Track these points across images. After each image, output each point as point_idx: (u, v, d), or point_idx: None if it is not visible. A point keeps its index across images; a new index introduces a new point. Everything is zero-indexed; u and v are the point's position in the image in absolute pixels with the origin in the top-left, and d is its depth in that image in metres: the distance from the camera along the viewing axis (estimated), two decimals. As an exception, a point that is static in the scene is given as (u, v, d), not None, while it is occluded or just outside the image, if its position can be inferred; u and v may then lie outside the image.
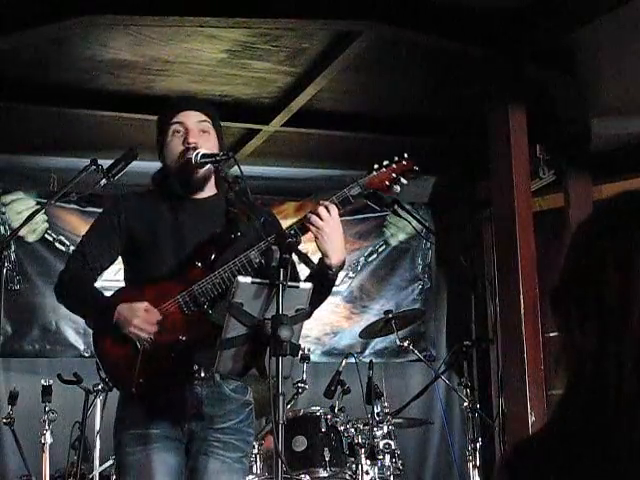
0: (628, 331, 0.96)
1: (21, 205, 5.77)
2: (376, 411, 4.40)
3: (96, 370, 3.06)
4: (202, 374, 2.75)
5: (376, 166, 2.72)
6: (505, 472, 1.05)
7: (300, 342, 2.63)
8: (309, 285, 2.57)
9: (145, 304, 2.72)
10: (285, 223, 2.85)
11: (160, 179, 2.92)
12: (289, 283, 2.46)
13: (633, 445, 0.94)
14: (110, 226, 2.86)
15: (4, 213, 5.74)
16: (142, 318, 2.70)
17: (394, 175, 2.72)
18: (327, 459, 4.20)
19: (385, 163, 2.72)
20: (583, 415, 0.99)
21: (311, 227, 2.67)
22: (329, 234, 2.67)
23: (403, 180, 2.72)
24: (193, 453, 2.77)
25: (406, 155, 2.72)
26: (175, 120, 2.85)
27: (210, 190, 2.90)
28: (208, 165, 2.78)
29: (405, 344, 4.74)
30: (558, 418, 1.03)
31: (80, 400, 4.29)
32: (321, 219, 2.66)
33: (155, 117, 3.01)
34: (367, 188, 2.70)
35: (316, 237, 2.66)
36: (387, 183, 2.71)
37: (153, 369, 2.69)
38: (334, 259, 2.67)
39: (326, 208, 2.68)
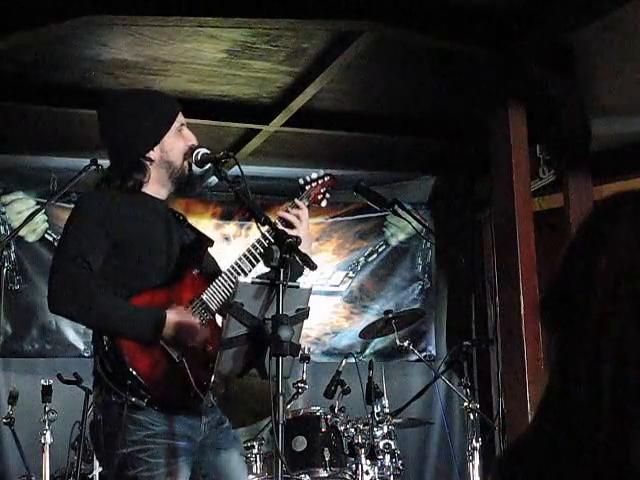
0: (603, 355, 0.95)
1: (21, 205, 5.77)
2: (376, 411, 4.40)
3: (119, 387, 2.58)
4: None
5: (308, 179, 3.02)
6: (500, 473, 1.05)
7: (300, 342, 2.64)
8: (309, 285, 2.59)
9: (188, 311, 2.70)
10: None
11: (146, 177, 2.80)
12: (289, 283, 2.46)
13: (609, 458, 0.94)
14: (102, 231, 2.67)
15: (4, 213, 5.74)
16: (200, 327, 2.68)
17: (323, 190, 3.03)
18: (327, 459, 4.20)
19: (314, 177, 3.03)
20: (561, 425, 0.99)
21: (290, 226, 2.79)
22: (306, 234, 2.80)
23: (327, 195, 3.06)
24: (209, 450, 2.73)
25: (323, 173, 3.08)
26: (178, 121, 2.84)
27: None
28: (208, 165, 2.78)
29: (405, 344, 4.74)
30: (545, 423, 1.04)
31: (80, 400, 4.28)
32: (299, 219, 2.83)
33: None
34: (309, 200, 3.00)
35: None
36: (319, 197, 3.03)
37: (196, 381, 2.65)
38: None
39: (298, 207, 2.87)
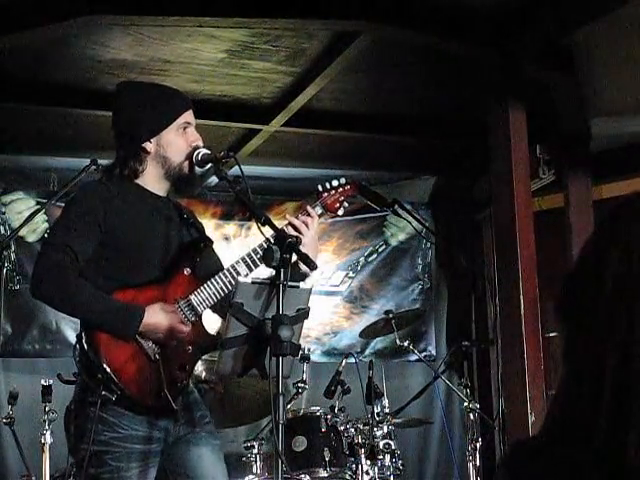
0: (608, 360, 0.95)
1: (21, 205, 5.76)
2: (376, 411, 4.40)
3: (91, 380, 2.60)
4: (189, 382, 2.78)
5: (328, 186, 2.91)
6: (505, 473, 1.05)
7: (300, 342, 2.64)
8: (310, 285, 2.59)
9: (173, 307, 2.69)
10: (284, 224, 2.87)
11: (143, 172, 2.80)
12: (289, 283, 2.46)
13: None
14: (94, 223, 2.67)
15: (4, 213, 5.74)
16: (180, 327, 2.67)
17: (342, 198, 2.92)
18: (327, 459, 4.19)
19: (335, 184, 2.92)
20: (567, 426, 0.99)
21: (297, 232, 2.76)
22: (311, 241, 2.78)
23: (345, 204, 2.92)
24: (181, 445, 2.72)
25: (345, 181, 2.95)
26: (183, 118, 2.82)
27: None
28: (208, 165, 2.78)
29: (405, 344, 4.75)
30: (552, 420, 1.03)
31: (80, 400, 4.28)
32: (307, 226, 2.78)
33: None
34: (325, 208, 2.90)
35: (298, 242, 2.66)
36: (337, 205, 2.92)
37: (169, 381, 2.65)
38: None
39: (309, 215, 2.82)
